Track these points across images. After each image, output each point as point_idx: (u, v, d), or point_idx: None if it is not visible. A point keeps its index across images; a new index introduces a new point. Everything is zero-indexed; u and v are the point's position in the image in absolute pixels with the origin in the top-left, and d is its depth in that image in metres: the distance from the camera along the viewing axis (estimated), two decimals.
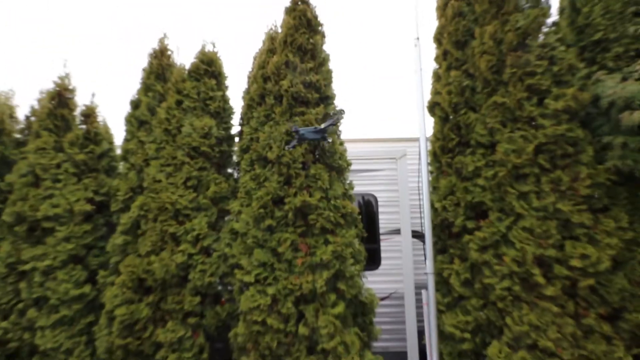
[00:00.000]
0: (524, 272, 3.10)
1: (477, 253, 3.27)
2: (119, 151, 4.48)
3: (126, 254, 3.70)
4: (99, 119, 4.41)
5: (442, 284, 3.49)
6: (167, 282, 3.49)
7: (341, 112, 3.45)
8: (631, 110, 3.01)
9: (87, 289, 3.77)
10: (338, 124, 3.52)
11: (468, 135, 3.46)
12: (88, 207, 3.93)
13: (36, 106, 4.52)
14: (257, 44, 4.29)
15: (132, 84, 4.42)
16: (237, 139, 4.08)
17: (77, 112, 4.42)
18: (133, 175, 3.87)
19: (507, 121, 3.31)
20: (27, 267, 3.82)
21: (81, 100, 4.53)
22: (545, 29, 3.36)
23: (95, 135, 4.24)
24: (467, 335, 3.26)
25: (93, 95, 4.47)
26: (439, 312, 3.41)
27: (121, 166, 4.14)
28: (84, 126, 4.32)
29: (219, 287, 3.63)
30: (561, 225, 3.13)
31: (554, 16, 3.47)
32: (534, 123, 3.25)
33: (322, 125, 3.27)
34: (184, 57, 4.42)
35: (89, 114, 4.32)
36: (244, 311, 3.34)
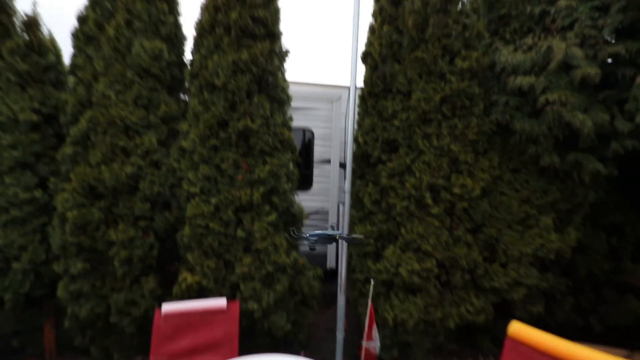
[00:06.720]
0: (419, 195, 3.41)
1: (387, 179, 3.50)
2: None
3: (77, 163, 3.36)
4: (44, 30, 3.70)
5: (357, 202, 3.72)
6: (118, 189, 3.28)
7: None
8: (516, 75, 3.38)
9: (37, 193, 3.46)
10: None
11: (391, 84, 3.50)
12: (34, 117, 3.45)
13: None
14: None
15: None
16: (189, 67, 3.82)
17: (18, 21, 3.70)
18: (82, 89, 3.40)
19: (423, 74, 3.43)
20: None
21: (22, 8, 3.75)
22: None
23: (39, 46, 3.59)
24: (372, 241, 3.61)
25: (35, 3, 3.74)
26: (353, 224, 3.71)
27: (70, 80, 3.62)
28: (25, 36, 3.61)
29: (168, 195, 3.53)
30: (451, 161, 3.46)
31: None
32: (443, 77, 3.52)
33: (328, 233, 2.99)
34: None
35: (31, 24, 3.58)
36: (190, 217, 3.35)
